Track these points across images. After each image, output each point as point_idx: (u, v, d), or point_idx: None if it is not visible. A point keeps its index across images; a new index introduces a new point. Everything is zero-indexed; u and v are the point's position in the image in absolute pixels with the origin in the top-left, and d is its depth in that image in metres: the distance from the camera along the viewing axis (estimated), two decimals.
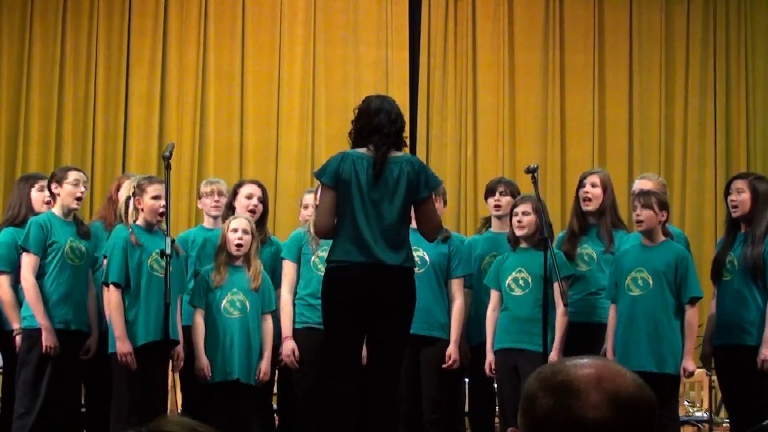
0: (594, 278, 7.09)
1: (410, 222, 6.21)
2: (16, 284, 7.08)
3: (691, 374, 6.67)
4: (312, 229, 6.63)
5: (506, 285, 6.97)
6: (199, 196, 7.57)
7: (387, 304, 5.96)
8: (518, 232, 6.98)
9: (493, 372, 6.95)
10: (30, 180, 7.46)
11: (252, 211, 7.29)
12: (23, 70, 11.12)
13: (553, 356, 6.55)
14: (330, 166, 6.03)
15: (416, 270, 6.98)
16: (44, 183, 7.29)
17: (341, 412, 5.96)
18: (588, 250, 7.16)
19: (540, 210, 6.81)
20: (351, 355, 6.03)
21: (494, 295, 7.05)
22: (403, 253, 6.01)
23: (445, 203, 7.64)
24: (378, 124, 6.05)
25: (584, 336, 6.88)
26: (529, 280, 6.89)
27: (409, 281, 6.07)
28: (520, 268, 6.95)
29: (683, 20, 11.72)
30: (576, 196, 7.33)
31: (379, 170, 5.96)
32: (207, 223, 7.49)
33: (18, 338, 6.97)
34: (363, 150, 6.05)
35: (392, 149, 6.06)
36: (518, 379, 6.69)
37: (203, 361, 6.83)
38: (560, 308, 6.77)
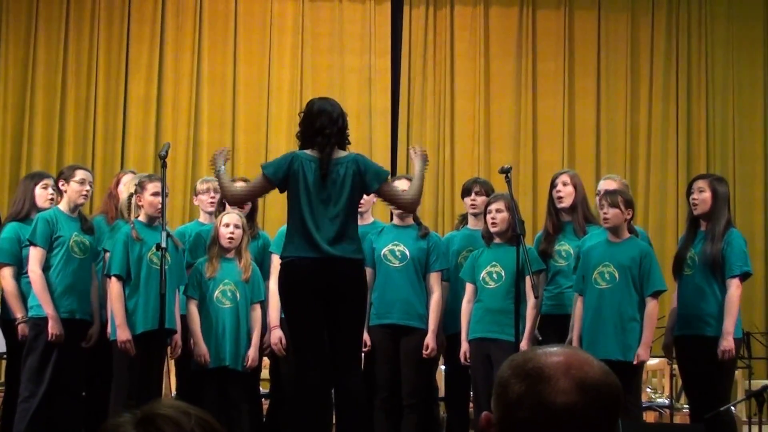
0: (572, 272, 7.09)
1: (357, 217, 6.22)
2: (18, 276, 7.07)
3: (643, 362, 6.67)
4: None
5: (481, 278, 6.97)
6: (196, 194, 7.58)
7: (338, 295, 5.96)
8: (492, 229, 6.98)
9: (468, 360, 6.95)
10: (35, 178, 7.46)
11: (241, 207, 7.29)
12: (28, 74, 11.11)
13: (523, 345, 6.56)
14: (278, 166, 6.06)
15: (397, 264, 7.03)
16: (48, 181, 7.28)
17: (314, 396, 5.94)
18: (565, 246, 7.16)
19: (512, 208, 6.82)
20: (314, 342, 6.00)
21: (469, 287, 7.06)
22: (351, 246, 6.01)
23: None
24: (320, 125, 6.06)
25: (562, 326, 6.89)
26: (503, 274, 6.89)
27: (358, 272, 6.08)
28: (494, 263, 6.95)
29: (648, 31, 11.75)
30: (549, 197, 7.34)
31: (325, 171, 5.97)
32: (203, 218, 7.50)
33: (21, 327, 6.96)
34: (309, 151, 6.06)
35: (337, 149, 6.06)
36: (491, 367, 6.70)
37: (202, 348, 6.83)
38: (531, 300, 6.78)
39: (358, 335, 6.20)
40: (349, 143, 6.22)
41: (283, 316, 6.99)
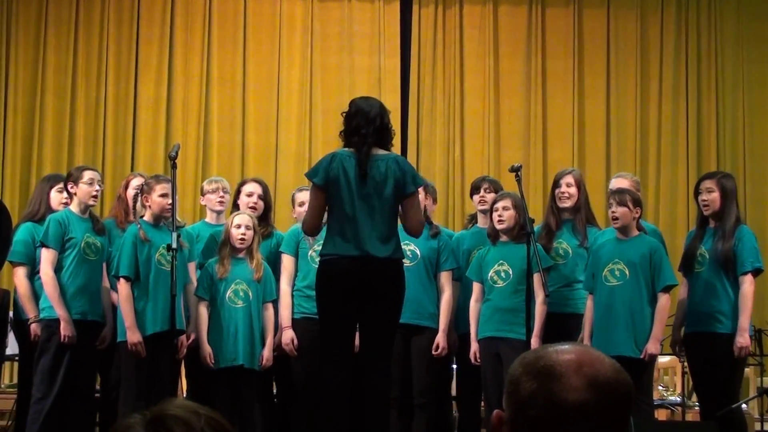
0: (569, 271, 7.10)
1: (397, 216, 6.19)
2: (32, 276, 7.07)
3: (652, 357, 6.64)
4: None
5: (489, 277, 6.97)
6: (203, 194, 7.56)
7: (376, 294, 5.96)
8: (499, 227, 6.98)
9: (478, 360, 6.94)
10: (51, 180, 7.47)
11: (253, 208, 7.29)
12: (38, 76, 11.14)
13: (533, 343, 6.55)
14: (320, 167, 6.06)
15: (408, 263, 7.01)
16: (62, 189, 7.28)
17: (335, 398, 5.96)
18: (563, 244, 7.17)
19: (521, 206, 6.82)
20: (344, 343, 6.02)
21: (476, 287, 7.06)
22: (391, 246, 6.00)
23: (435, 201, 7.64)
24: (356, 125, 6.07)
25: (558, 325, 6.88)
26: (510, 272, 6.89)
27: (397, 272, 6.06)
28: (501, 261, 6.95)
29: (657, 29, 11.73)
30: (552, 195, 7.35)
31: (363, 169, 5.97)
32: (209, 218, 7.49)
33: (33, 327, 6.96)
34: (350, 149, 6.07)
35: (376, 147, 6.05)
36: (500, 366, 6.69)
37: (206, 349, 6.84)
38: (540, 298, 6.78)
39: (391, 334, 6.15)
40: (391, 139, 6.20)
41: (293, 315, 7.04)
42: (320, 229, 6.21)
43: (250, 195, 7.36)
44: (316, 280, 6.15)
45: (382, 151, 6.07)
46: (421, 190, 7.17)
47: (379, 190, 5.98)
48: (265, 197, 7.45)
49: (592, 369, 1.92)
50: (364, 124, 6.06)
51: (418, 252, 7.14)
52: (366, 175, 5.96)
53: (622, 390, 1.94)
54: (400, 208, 6.14)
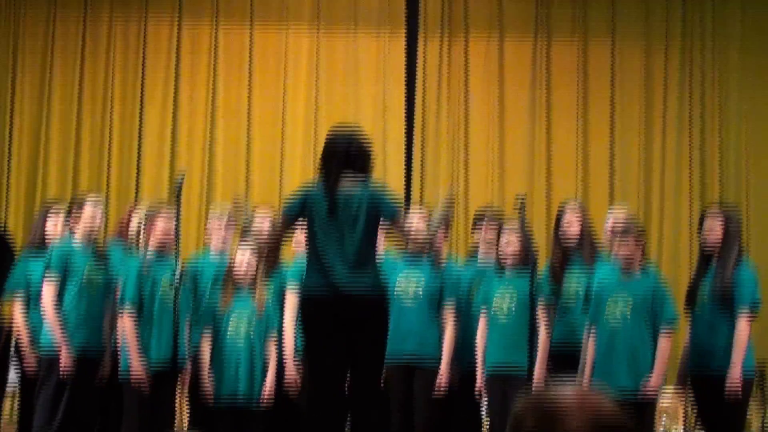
0: (582, 305, 7.03)
1: (375, 249, 6.08)
2: (28, 304, 7.07)
3: (653, 394, 6.56)
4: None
5: (493, 309, 6.96)
6: (208, 226, 7.54)
7: (355, 330, 5.82)
8: (508, 250, 6.96)
9: (483, 395, 6.91)
10: (45, 209, 7.47)
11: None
12: (43, 104, 11.15)
13: (536, 374, 6.54)
14: (293, 204, 6.00)
15: (410, 298, 6.99)
16: (59, 213, 7.28)
17: None
18: (574, 278, 7.11)
19: (525, 234, 6.82)
20: (330, 379, 5.89)
21: (482, 319, 7.03)
22: (369, 280, 5.86)
23: (447, 230, 7.63)
24: (321, 162, 6.04)
25: (568, 362, 6.84)
26: (515, 304, 6.88)
27: (378, 306, 5.91)
28: (505, 293, 6.94)
29: (661, 63, 11.75)
30: (555, 233, 7.31)
31: (331, 205, 5.85)
32: (213, 250, 7.41)
33: (29, 360, 6.95)
34: (322, 185, 5.99)
35: (348, 178, 5.91)
36: (506, 400, 6.66)
37: (207, 387, 6.81)
38: (542, 331, 6.76)
39: (378, 368, 6.03)
40: (363, 170, 6.00)
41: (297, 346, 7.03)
42: (276, 248, 6.54)
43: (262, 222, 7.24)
44: (299, 318, 6.11)
45: (356, 187, 5.91)
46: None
47: (352, 224, 5.85)
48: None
49: (594, 411, 1.93)
50: (328, 158, 6.00)
51: (421, 287, 7.12)
52: (333, 211, 5.86)
53: (622, 431, 1.95)
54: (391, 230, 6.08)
